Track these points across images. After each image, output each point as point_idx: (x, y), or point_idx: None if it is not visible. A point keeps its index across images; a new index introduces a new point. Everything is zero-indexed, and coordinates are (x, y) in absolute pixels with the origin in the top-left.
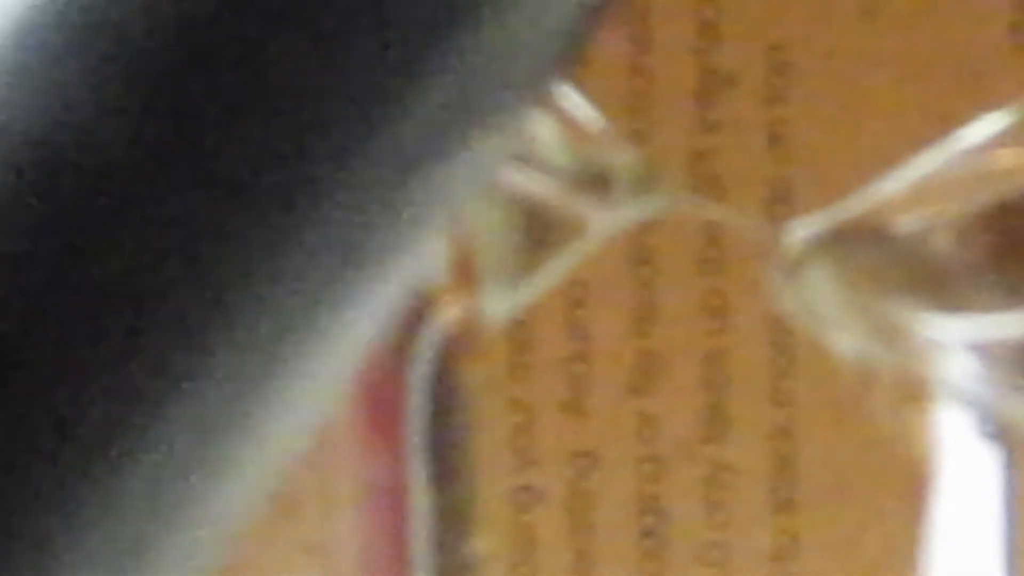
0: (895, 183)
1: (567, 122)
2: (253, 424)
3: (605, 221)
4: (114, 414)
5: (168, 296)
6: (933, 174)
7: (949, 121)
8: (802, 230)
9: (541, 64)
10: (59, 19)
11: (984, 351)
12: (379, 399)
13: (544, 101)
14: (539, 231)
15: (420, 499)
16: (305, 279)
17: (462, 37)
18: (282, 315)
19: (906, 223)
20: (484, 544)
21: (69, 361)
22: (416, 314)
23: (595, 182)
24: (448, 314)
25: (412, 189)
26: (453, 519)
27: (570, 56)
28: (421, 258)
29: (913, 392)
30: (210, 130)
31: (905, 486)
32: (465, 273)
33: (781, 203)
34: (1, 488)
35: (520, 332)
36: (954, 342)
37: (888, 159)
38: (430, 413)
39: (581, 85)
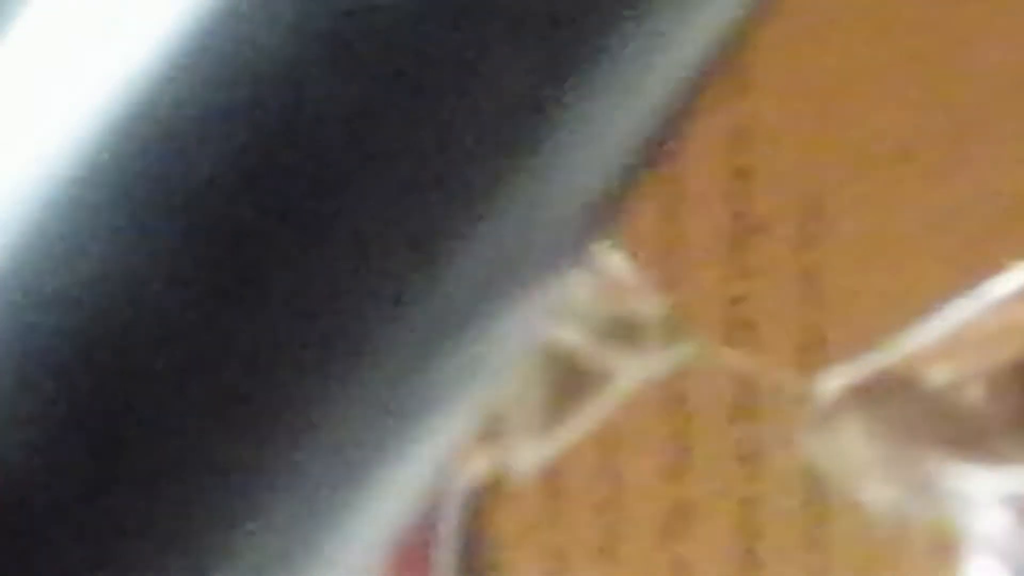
0: (927, 334)
1: (599, 271)
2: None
3: (636, 369)
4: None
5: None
6: (965, 325)
7: (981, 270)
8: (834, 380)
9: (582, 225)
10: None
11: (1016, 503)
12: (409, 549)
13: (585, 259)
14: (571, 380)
15: None
16: (351, 434)
17: (505, 200)
18: (334, 469)
19: (938, 375)
20: None
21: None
22: (447, 463)
23: (626, 331)
24: (481, 461)
25: (453, 352)
26: None
27: (614, 210)
28: (475, 410)
29: (945, 544)
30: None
31: None
32: (498, 421)
33: (814, 349)
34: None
35: (552, 479)
36: (986, 495)
37: (920, 306)
38: (459, 563)
39: (613, 233)
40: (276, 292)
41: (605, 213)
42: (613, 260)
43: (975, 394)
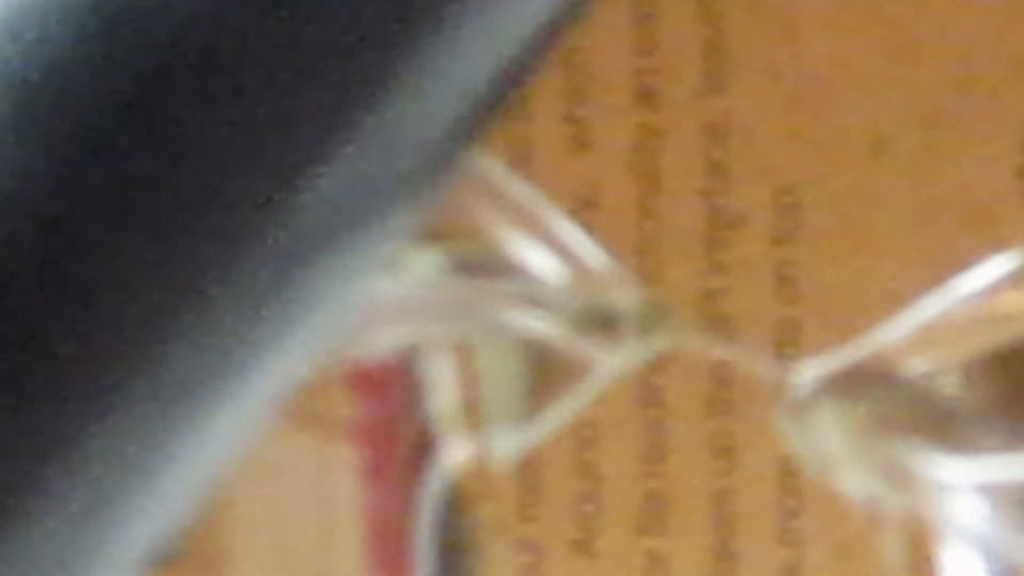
0: (902, 326)
1: (575, 263)
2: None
3: (613, 362)
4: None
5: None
6: (940, 317)
7: (956, 263)
8: (810, 371)
9: (435, 158)
10: None
11: (991, 492)
12: (387, 539)
13: (434, 196)
14: (547, 372)
15: None
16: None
17: (358, 128)
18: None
19: (913, 366)
20: None
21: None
22: (424, 454)
23: (603, 323)
24: (456, 455)
25: (304, 275)
26: None
27: (461, 150)
28: (320, 339)
29: (921, 533)
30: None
31: None
32: (473, 414)
33: (789, 344)
34: None
35: (529, 472)
36: (961, 483)
37: (895, 300)
38: (438, 553)
39: (590, 226)
40: (137, 209)
41: (457, 148)
42: (591, 253)
43: (951, 384)
